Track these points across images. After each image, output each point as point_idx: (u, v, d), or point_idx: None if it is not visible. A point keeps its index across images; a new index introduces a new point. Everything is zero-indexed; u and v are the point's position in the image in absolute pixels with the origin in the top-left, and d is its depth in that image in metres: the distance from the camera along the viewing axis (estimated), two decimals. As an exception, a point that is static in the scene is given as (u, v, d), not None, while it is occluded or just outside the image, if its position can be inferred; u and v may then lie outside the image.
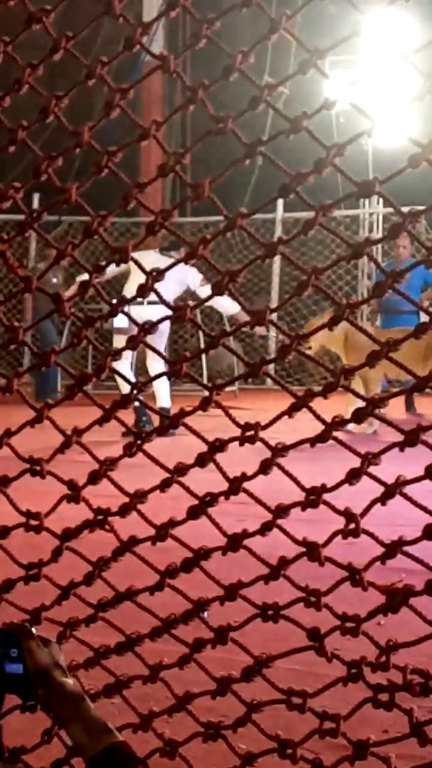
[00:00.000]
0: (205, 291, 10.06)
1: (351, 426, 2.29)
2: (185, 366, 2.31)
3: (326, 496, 2.17)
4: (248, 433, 2.23)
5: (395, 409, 10.78)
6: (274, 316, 2.27)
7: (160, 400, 10.48)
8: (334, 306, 2.15)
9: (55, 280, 13.20)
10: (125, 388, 10.65)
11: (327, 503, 2.17)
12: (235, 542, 2.30)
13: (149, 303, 2.34)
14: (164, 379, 2.51)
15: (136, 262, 2.42)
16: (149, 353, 10.54)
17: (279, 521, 2.24)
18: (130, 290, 9.03)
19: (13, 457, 2.50)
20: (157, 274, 2.32)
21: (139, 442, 2.38)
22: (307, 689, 2.34)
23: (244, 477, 2.26)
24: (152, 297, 2.38)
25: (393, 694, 2.19)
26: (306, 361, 12.78)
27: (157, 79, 15.33)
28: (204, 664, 2.46)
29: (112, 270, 2.48)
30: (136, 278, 9.69)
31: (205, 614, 2.41)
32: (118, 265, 2.40)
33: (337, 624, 2.23)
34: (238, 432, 2.25)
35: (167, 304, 2.41)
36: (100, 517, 2.43)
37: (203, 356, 12.79)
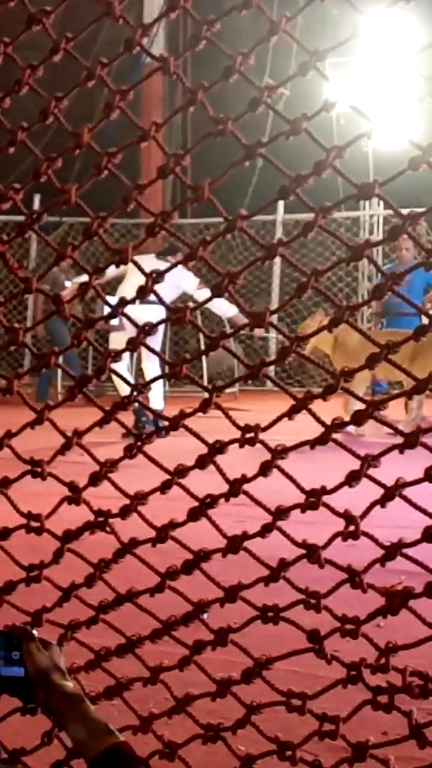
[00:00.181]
0: (202, 294, 10.08)
1: (351, 428, 2.29)
2: (185, 367, 2.31)
3: (326, 498, 2.17)
4: (248, 435, 2.23)
5: (396, 411, 10.78)
6: (274, 318, 2.27)
7: (151, 402, 10.46)
8: (334, 308, 2.15)
9: (68, 283, 13.20)
10: (123, 389, 10.67)
11: (327, 505, 2.17)
12: (235, 544, 2.30)
13: (141, 302, 2.34)
14: (158, 381, 2.51)
15: (136, 264, 2.42)
16: (144, 354, 10.55)
17: (279, 523, 2.24)
18: (124, 292, 9.04)
19: (14, 458, 2.50)
20: (157, 276, 2.32)
21: (139, 443, 2.38)
22: (307, 691, 2.34)
23: (244, 479, 2.26)
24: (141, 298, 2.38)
25: (392, 696, 2.19)
26: (306, 363, 12.78)
27: (158, 81, 15.36)
28: (204, 666, 2.46)
29: (111, 271, 2.49)
30: (132, 280, 9.72)
31: (205, 616, 2.41)
32: (118, 266, 2.40)
33: (337, 626, 2.23)
34: (238, 434, 2.25)
35: (167, 306, 2.40)
36: (100, 518, 2.43)
37: (203, 358, 12.81)
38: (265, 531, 2.26)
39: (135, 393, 2.41)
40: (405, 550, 2.12)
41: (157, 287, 2.33)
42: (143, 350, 2.46)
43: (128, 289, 8.79)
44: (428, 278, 11.29)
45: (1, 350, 2.69)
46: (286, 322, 15.59)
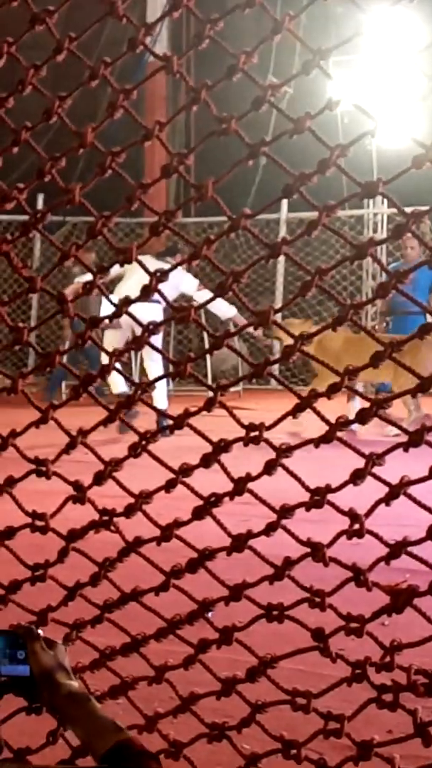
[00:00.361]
0: (201, 295, 10.09)
1: (355, 426, 2.29)
2: (189, 366, 2.31)
3: (331, 497, 2.17)
4: (253, 434, 2.23)
5: (397, 409, 10.78)
6: (278, 317, 2.27)
7: (155, 401, 10.48)
8: (338, 306, 2.15)
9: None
10: (116, 386, 10.63)
11: (331, 504, 2.17)
12: (239, 543, 2.30)
13: (135, 301, 2.35)
14: (161, 380, 2.51)
15: (140, 263, 2.42)
16: (146, 354, 10.55)
17: (283, 522, 2.24)
18: (123, 291, 9.05)
19: (19, 457, 2.50)
20: (161, 275, 2.32)
21: (143, 442, 2.38)
22: (312, 690, 2.34)
23: (249, 477, 2.26)
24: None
25: (397, 695, 2.19)
26: (311, 362, 12.78)
27: (161, 80, 15.36)
28: (209, 665, 2.46)
29: (116, 270, 2.49)
30: (130, 279, 9.72)
31: (210, 615, 2.42)
32: (122, 266, 2.40)
33: (342, 624, 2.23)
34: (242, 433, 2.25)
35: (170, 305, 2.41)
36: (105, 517, 2.43)
37: (208, 357, 12.80)
38: (269, 529, 2.26)
39: (139, 392, 2.41)
40: (410, 549, 2.12)
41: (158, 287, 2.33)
42: (145, 350, 2.46)
43: (126, 288, 8.81)
44: (434, 276, 11.26)
45: (6, 350, 2.69)
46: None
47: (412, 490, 2.09)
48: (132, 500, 2.39)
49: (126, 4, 2.29)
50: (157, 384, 2.57)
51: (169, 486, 2.35)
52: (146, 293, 2.33)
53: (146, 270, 2.34)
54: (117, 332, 9.71)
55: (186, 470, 2.33)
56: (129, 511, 2.39)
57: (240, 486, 2.26)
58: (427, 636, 2.14)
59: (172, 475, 2.34)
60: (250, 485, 2.26)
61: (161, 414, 2.70)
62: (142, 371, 11.82)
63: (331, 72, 2.24)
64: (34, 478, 2.49)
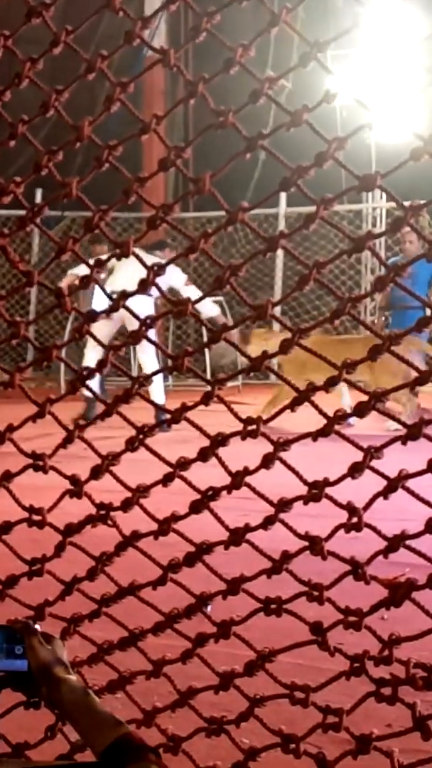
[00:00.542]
0: (188, 291, 10.09)
1: (352, 420, 2.28)
2: (187, 361, 2.31)
3: (329, 490, 2.17)
4: (250, 428, 2.23)
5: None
6: (277, 310, 2.27)
7: (152, 395, 10.47)
8: (337, 300, 2.15)
9: (102, 275, 13.12)
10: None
11: (329, 497, 2.17)
12: (237, 536, 2.30)
13: (132, 294, 2.35)
14: (157, 375, 2.51)
15: (138, 257, 2.42)
16: (139, 347, 10.55)
17: (281, 515, 2.24)
18: (115, 284, 9.03)
19: (16, 452, 2.50)
20: (158, 269, 2.31)
21: (141, 436, 2.37)
22: (310, 683, 2.34)
23: (247, 471, 2.25)
24: (130, 290, 2.38)
25: (396, 688, 2.19)
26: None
27: (159, 74, 15.32)
28: (207, 659, 2.46)
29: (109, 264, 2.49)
30: (121, 272, 9.69)
31: (208, 609, 2.41)
32: (119, 260, 2.40)
33: (340, 618, 2.23)
34: (240, 427, 2.25)
35: (168, 299, 2.40)
36: (102, 511, 2.43)
37: (206, 351, 12.79)
38: (267, 523, 2.25)
39: (136, 386, 2.41)
40: (408, 542, 2.12)
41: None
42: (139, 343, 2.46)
43: (118, 281, 8.80)
44: (433, 270, 11.24)
45: (4, 344, 2.69)
46: (289, 315, 15.56)
47: (411, 483, 2.09)
48: (129, 494, 2.39)
49: (123, -3, 2.28)
50: (153, 378, 2.56)
51: (166, 480, 2.34)
52: (143, 287, 2.32)
53: (143, 264, 2.34)
54: (107, 323, 9.69)
55: (183, 464, 2.32)
56: (126, 506, 2.39)
57: (238, 480, 2.26)
58: (425, 629, 2.14)
59: (169, 469, 2.34)
60: (248, 479, 2.26)
61: (159, 408, 2.70)
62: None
63: (329, 66, 2.23)
64: (31, 473, 2.49)
